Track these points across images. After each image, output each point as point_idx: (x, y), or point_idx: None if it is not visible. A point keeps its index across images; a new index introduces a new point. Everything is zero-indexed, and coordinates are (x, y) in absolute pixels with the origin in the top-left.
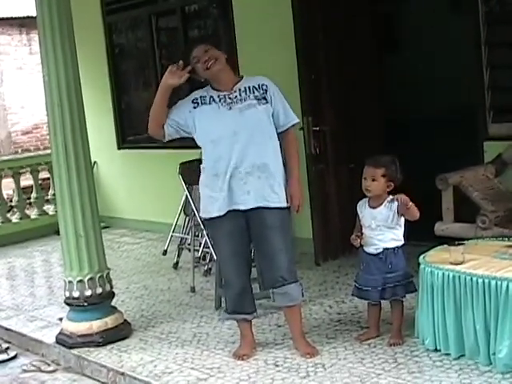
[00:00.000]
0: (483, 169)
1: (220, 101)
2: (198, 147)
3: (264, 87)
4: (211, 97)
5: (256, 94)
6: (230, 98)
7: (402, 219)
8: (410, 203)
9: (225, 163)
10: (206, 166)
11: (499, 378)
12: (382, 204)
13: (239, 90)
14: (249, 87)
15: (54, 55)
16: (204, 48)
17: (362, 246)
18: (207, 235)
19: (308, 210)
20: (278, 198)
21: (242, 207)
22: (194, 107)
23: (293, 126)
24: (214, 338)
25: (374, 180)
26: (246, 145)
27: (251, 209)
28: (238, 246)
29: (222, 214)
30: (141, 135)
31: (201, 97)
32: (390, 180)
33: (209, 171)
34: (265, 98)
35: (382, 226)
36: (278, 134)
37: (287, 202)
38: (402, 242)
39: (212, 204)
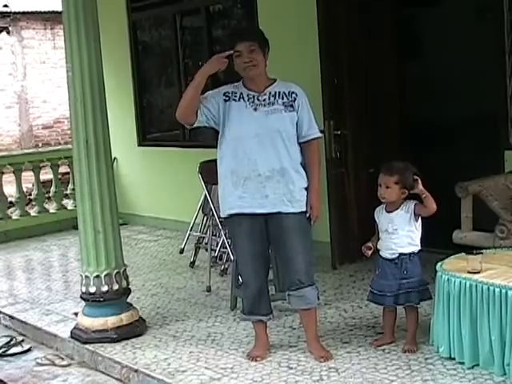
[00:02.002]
0: (503, 178)
1: (248, 100)
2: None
3: (294, 95)
4: (241, 94)
5: (284, 100)
6: (258, 100)
7: (419, 222)
8: (426, 193)
9: (243, 163)
10: (224, 164)
11: None
12: (398, 208)
13: (269, 93)
14: (279, 92)
15: (79, 51)
16: (250, 46)
17: (378, 250)
18: (225, 235)
19: (326, 214)
20: (297, 204)
21: (260, 211)
22: (225, 100)
23: (314, 139)
24: (229, 338)
25: (387, 187)
26: (266, 148)
27: (270, 213)
28: (256, 246)
29: (238, 212)
30: (161, 133)
31: (232, 92)
32: (403, 187)
33: (227, 170)
34: (292, 106)
35: (398, 230)
36: (300, 144)
37: (306, 211)
38: (419, 248)
39: (229, 203)
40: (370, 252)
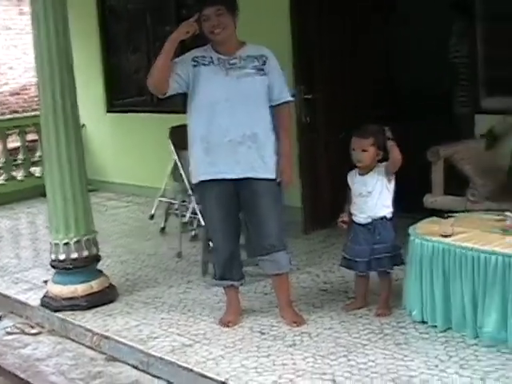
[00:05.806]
0: (475, 142)
1: (219, 64)
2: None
3: (264, 58)
4: (211, 58)
5: (255, 63)
6: (229, 64)
7: (392, 185)
8: (393, 142)
9: (214, 129)
10: (194, 129)
11: (485, 352)
12: (371, 170)
13: (240, 56)
14: (249, 56)
15: (45, 13)
16: (217, 10)
17: (351, 215)
18: (195, 201)
19: (298, 179)
20: (267, 169)
21: (231, 176)
22: (194, 65)
23: (285, 102)
24: (200, 304)
25: (364, 151)
26: (237, 113)
27: (240, 178)
28: (226, 211)
29: (209, 178)
30: (130, 99)
31: (201, 56)
32: (378, 149)
33: (197, 136)
34: (263, 70)
35: (372, 192)
36: (271, 108)
37: (277, 176)
38: (391, 210)
39: (200, 169)
40: (345, 226)
